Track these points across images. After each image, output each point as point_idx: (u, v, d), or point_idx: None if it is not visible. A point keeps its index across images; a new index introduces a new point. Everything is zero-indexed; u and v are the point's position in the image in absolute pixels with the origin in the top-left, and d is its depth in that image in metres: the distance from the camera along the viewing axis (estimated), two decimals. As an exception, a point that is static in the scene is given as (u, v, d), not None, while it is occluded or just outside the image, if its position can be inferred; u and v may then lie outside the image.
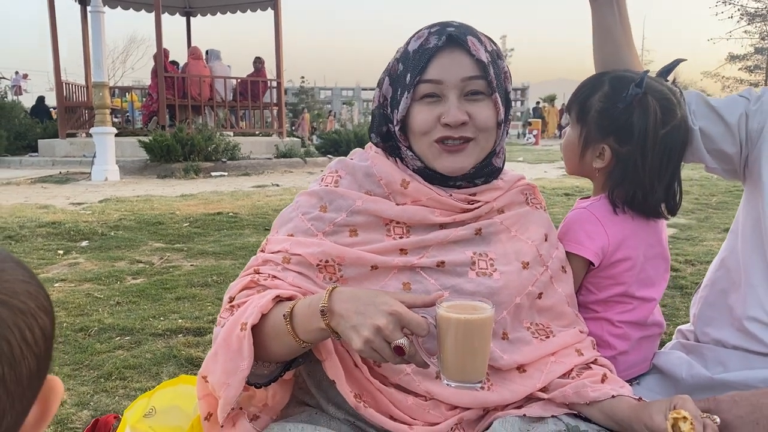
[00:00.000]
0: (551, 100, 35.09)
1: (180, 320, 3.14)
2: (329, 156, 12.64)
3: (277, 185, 9.41)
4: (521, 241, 1.22)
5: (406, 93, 1.13)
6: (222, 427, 1.08)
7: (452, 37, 1.11)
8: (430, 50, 1.10)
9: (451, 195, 1.18)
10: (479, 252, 1.17)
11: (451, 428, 1.12)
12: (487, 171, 1.20)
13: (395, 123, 1.16)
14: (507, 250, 1.20)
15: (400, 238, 1.16)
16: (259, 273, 1.15)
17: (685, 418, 0.97)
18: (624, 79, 1.39)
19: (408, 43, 1.16)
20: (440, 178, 1.18)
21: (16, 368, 0.50)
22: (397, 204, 1.18)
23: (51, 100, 18.78)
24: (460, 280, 1.14)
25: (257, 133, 14.68)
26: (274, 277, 1.13)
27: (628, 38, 1.54)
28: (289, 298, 1.07)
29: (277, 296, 1.06)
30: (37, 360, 0.52)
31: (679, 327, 1.62)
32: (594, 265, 1.37)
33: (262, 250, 1.21)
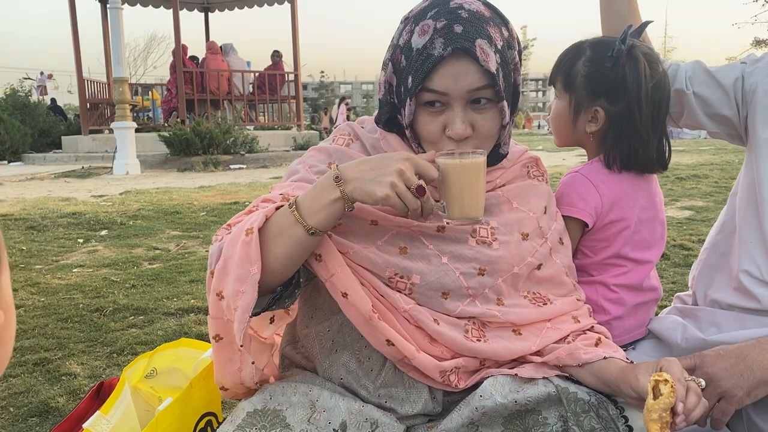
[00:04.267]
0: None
1: (192, 300, 3.20)
2: (347, 147, 12.67)
3: (295, 176, 9.48)
4: (522, 212, 1.23)
5: (409, 99, 1.09)
6: (241, 347, 1.04)
7: (459, 46, 1.03)
8: (435, 59, 1.04)
9: None
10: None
11: (450, 370, 1.13)
12: (491, 160, 1.20)
13: (405, 126, 1.14)
14: (508, 220, 1.21)
15: None
16: (257, 208, 1.12)
17: (666, 380, 0.96)
18: (603, 42, 1.41)
19: (411, 32, 1.09)
20: None
21: None
22: None
23: (73, 99, 19.03)
24: (459, 246, 1.15)
25: (276, 126, 14.78)
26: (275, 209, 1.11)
27: (633, 13, 1.56)
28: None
29: (280, 206, 1.05)
30: None
31: (677, 294, 1.63)
32: (588, 227, 1.38)
33: (266, 199, 1.20)
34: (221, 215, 5.88)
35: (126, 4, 13.64)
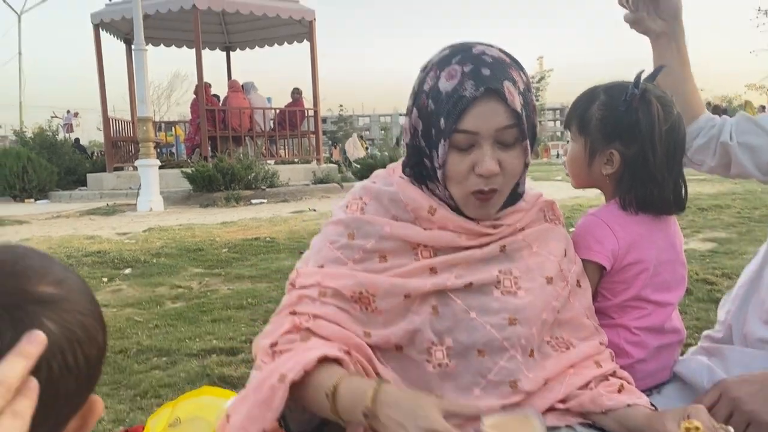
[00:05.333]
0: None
1: (214, 341, 3.23)
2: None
3: (314, 210, 9.56)
4: (543, 256, 1.24)
5: (443, 140, 1.12)
6: None
7: (490, 86, 1.08)
8: (467, 100, 1.09)
9: (478, 222, 1.20)
10: (503, 269, 1.19)
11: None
12: (509, 200, 1.23)
13: (437, 167, 1.16)
14: (530, 266, 1.22)
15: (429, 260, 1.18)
16: (297, 314, 1.14)
17: (697, 428, 0.96)
18: (617, 86, 1.43)
19: (437, 77, 1.13)
20: None
21: (54, 387, 0.58)
22: (424, 229, 1.20)
23: (100, 137, 19.42)
24: (486, 299, 1.16)
25: (296, 160, 14.96)
26: (315, 316, 1.13)
27: (686, 73, 1.61)
28: (335, 360, 1.07)
29: (324, 356, 1.05)
30: (77, 383, 0.60)
31: (705, 332, 1.62)
32: (606, 270, 1.39)
33: (293, 284, 1.21)
34: (243, 251, 5.94)
35: (150, 45, 14.00)
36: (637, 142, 1.39)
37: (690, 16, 1.64)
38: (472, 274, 1.17)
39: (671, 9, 1.57)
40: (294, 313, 1.15)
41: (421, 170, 1.21)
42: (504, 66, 1.12)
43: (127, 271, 5.29)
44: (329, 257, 1.19)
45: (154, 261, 5.62)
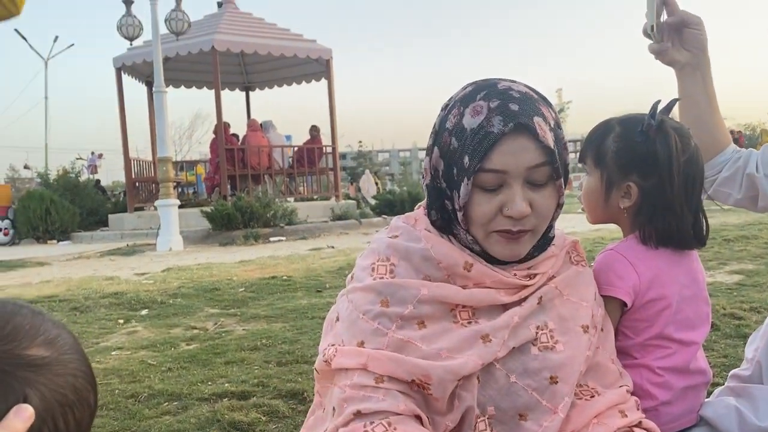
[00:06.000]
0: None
1: (227, 384, 3.17)
2: (384, 216, 12.78)
3: (332, 247, 9.53)
4: (575, 303, 1.18)
5: (466, 179, 1.05)
6: None
7: (520, 121, 1.03)
8: (494, 136, 1.03)
9: (515, 274, 1.14)
10: (540, 324, 1.13)
11: None
12: (541, 243, 1.17)
13: (458, 208, 1.09)
14: (564, 315, 1.16)
15: (468, 323, 1.10)
16: (363, 414, 1.02)
17: None
18: (633, 119, 1.40)
19: (461, 114, 1.08)
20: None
21: None
22: (462, 287, 1.12)
23: (122, 176, 19.72)
24: (525, 359, 1.10)
25: (315, 197, 15.04)
26: (385, 412, 1.02)
27: (712, 104, 1.58)
28: None
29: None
30: None
31: (732, 371, 1.54)
32: (628, 306, 1.33)
33: (328, 361, 1.10)
34: (259, 291, 5.90)
35: (170, 86, 14.30)
36: (655, 174, 1.34)
37: (715, 47, 1.61)
38: (515, 337, 1.10)
39: (697, 41, 1.53)
40: (360, 414, 1.01)
41: (443, 215, 1.15)
42: (532, 101, 1.07)
43: (144, 312, 5.27)
44: (366, 330, 1.08)
45: (171, 301, 5.60)
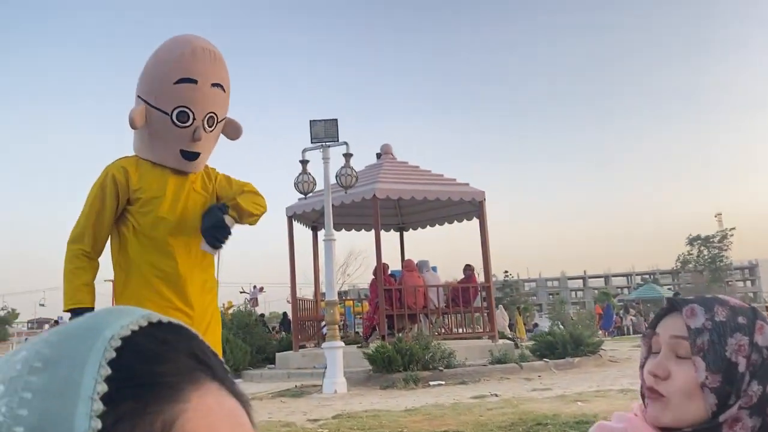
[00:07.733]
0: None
1: None
2: (545, 360, 12.32)
3: (496, 395, 9.30)
4: None
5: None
6: None
7: (674, 304, 1.23)
8: (664, 311, 1.24)
9: None
10: None
11: None
12: None
13: None
14: None
15: None
16: None
17: None
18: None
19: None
20: None
21: None
22: None
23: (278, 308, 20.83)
24: None
25: (469, 337, 14.95)
26: None
27: None
28: None
29: None
30: None
31: None
32: None
33: None
34: (434, 448, 5.88)
35: (333, 230, 15.34)
36: None
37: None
38: None
39: None
40: None
41: None
42: (701, 300, 1.22)
43: (327, 467, 5.42)
44: None
45: (349, 456, 5.72)
